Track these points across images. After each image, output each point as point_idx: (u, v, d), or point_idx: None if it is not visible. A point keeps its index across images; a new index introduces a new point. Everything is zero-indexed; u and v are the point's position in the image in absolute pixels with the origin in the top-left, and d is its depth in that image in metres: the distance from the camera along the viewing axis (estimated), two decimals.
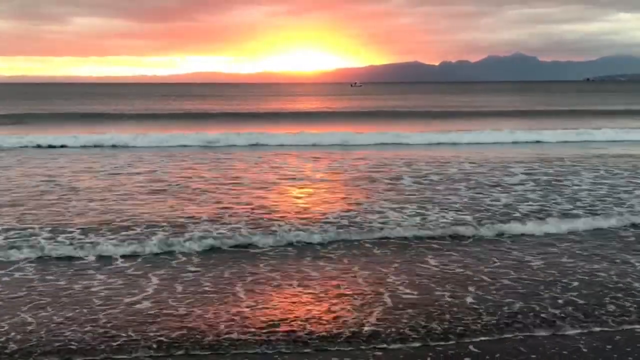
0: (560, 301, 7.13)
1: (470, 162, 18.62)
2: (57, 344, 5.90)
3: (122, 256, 8.81)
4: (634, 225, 10.82)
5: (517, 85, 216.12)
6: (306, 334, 6.13)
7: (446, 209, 11.72)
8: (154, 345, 5.89)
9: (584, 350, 5.89)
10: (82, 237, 9.68)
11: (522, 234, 10.18)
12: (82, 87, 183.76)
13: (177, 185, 14.39)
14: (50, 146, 22.70)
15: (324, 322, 6.41)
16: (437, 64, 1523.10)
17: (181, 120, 39.61)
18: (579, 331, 6.33)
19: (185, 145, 23.42)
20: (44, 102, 69.85)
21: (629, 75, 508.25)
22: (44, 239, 9.50)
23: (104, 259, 8.69)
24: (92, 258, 8.72)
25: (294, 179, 15.53)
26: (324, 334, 6.15)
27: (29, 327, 6.26)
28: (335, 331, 6.19)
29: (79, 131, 27.48)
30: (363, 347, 5.89)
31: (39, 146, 22.66)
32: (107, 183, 14.78)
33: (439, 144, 24.85)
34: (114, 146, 23.06)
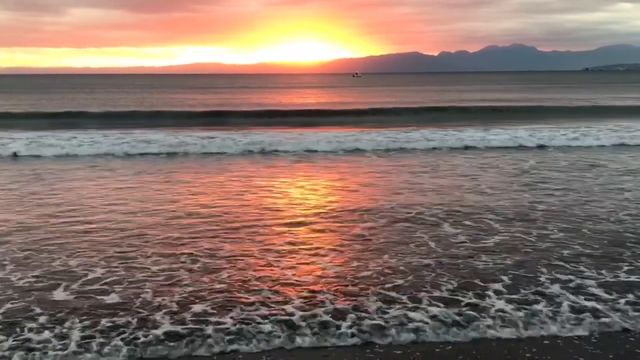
0: None
1: None
2: None
3: None
4: None
5: (519, 75, 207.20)
6: None
7: None
8: None
9: None
10: None
11: None
12: (102, 79, 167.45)
13: None
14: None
15: None
16: (436, 54, 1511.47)
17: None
18: None
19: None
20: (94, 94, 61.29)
21: (628, 65, 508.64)
22: None
23: None
24: None
25: None
26: None
27: None
28: None
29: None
30: None
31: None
32: None
33: None
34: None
